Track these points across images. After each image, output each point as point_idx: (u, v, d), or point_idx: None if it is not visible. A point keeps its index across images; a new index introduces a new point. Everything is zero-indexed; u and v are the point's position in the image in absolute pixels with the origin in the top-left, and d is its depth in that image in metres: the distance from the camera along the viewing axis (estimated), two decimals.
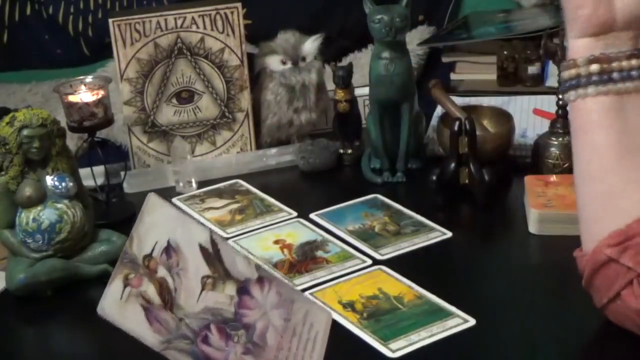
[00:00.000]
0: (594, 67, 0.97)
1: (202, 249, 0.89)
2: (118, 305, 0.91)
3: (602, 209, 0.97)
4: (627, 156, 0.96)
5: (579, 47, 0.99)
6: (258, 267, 0.88)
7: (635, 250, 0.94)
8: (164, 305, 0.90)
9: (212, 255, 0.89)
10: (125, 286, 0.91)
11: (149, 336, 0.90)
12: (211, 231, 0.90)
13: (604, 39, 0.98)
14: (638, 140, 0.97)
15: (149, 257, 0.91)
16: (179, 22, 1.46)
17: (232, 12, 1.47)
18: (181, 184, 1.44)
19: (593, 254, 0.97)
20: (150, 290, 0.90)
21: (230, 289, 0.88)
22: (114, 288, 0.92)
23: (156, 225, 0.91)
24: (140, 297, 0.90)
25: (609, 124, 0.97)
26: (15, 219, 1.19)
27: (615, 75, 0.96)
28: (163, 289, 0.90)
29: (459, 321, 1.06)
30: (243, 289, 0.88)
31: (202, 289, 0.89)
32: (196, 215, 1.36)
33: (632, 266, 0.94)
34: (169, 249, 0.90)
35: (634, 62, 0.97)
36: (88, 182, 1.34)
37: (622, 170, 0.96)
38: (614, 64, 0.97)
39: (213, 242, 0.89)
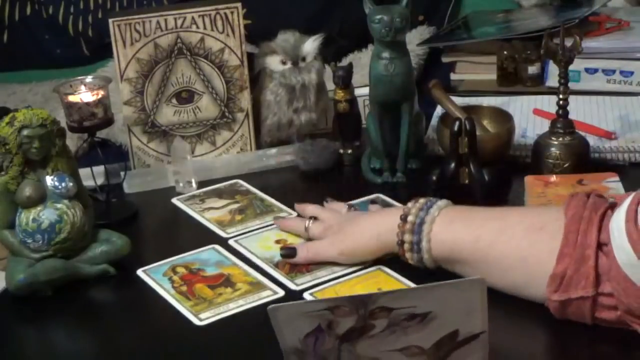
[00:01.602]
0: (408, 236, 1.11)
1: (453, 333, 0.81)
2: (297, 313, 0.80)
3: (521, 277, 1.04)
4: (494, 237, 1.06)
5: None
6: None
7: (574, 282, 0.98)
8: (340, 337, 0.81)
9: (454, 343, 0.81)
10: (326, 309, 0.79)
11: (290, 339, 0.81)
12: (485, 331, 0.82)
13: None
14: (485, 225, 1.08)
15: (385, 309, 0.80)
16: (179, 22, 1.46)
17: (232, 12, 1.47)
18: (181, 184, 1.44)
19: (549, 305, 1.02)
20: (345, 324, 0.80)
21: None
22: (310, 305, 0.83)
23: (448, 299, 0.81)
24: (327, 322, 0.80)
25: (458, 235, 1.09)
26: (15, 219, 1.19)
27: (420, 218, 1.11)
28: (360, 329, 0.80)
29: None
30: None
31: (399, 350, 0.81)
32: (196, 216, 1.36)
33: (583, 295, 0.98)
34: (417, 317, 0.81)
35: (419, 202, 1.13)
36: (88, 182, 1.34)
37: (504, 247, 1.05)
38: (410, 219, 1.11)
39: (472, 338, 0.82)
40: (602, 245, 0.98)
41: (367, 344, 0.81)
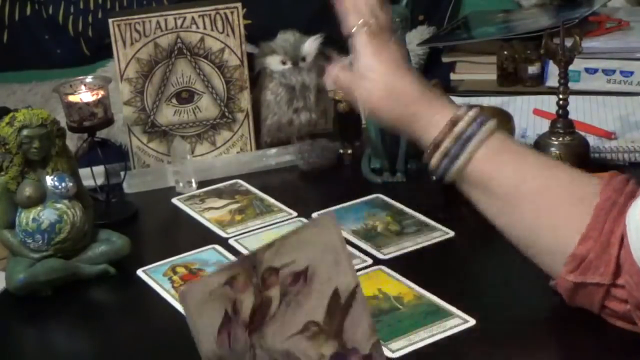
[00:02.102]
0: (448, 143, 1.03)
1: (335, 294, 0.80)
2: (203, 296, 0.77)
3: (542, 242, 1.01)
4: (535, 186, 1.01)
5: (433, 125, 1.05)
6: (377, 345, 0.80)
7: (594, 267, 0.97)
8: (247, 324, 0.79)
9: (340, 306, 0.80)
10: (225, 284, 0.78)
11: (207, 342, 0.78)
12: (358, 284, 0.80)
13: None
14: (531, 170, 1.03)
15: (273, 271, 0.79)
16: (179, 22, 1.46)
17: (232, 12, 1.47)
18: (181, 184, 1.44)
19: (561, 283, 1.00)
20: (247, 303, 0.79)
21: (328, 349, 0.79)
22: (212, 279, 0.78)
23: (309, 244, 0.80)
24: (230, 303, 0.78)
25: (503, 167, 1.03)
26: (15, 219, 1.19)
27: (470, 131, 1.03)
28: (260, 308, 0.79)
29: (459, 321, 1.05)
30: (340, 356, 0.79)
31: (300, 332, 0.79)
32: (196, 216, 1.36)
33: (599, 281, 0.97)
34: (300, 276, 0.80)
35: (471, 112, 1.04)
36: (88, 182, 1.34)
37: (539, 201, 1.01)
38: (458, 127, 1.04)
39: (352, 296, 0.80)
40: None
41: (272, 331, 0.79)
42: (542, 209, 1.01)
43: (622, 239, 0.96)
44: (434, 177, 1.07)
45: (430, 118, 1.05)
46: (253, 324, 0.79)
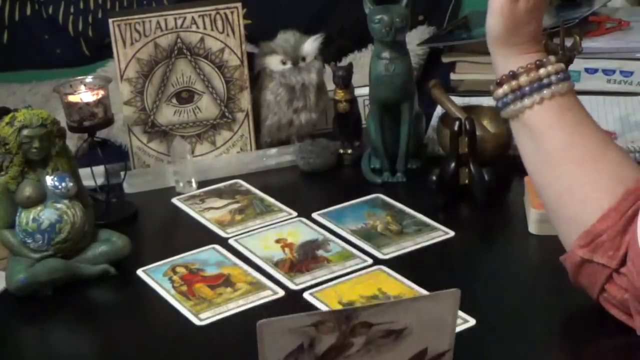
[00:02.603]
0: (525, 79, 1.04)
1: (421, 352, 0.81)
2: (282, 331, 0.79)
3: (567, 210, 1.01)
4: (582, 155, 1.01)
5: (506, 61, 1.06)
6: None
7: (604, 247, 0.97)
8: (319, 358, 0.80)
9: None
10: (311, 325, 0.79)
11: None
12: (451, 349, 0.82)
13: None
14: (585, 139, 1.02)
15: (367, 325, 0.80)
16: (179, 22, 1.46)
17: (232, 12, 1.47)
18: (181, 184, 1.44)
19: (569, 257, 1.01)
20: (326, 341, 0.80)
21: None
22: (297, 320, 0.80)
23: (420, 312, 0.81)
24: (309, 339, 0.80)
25: (562, 125, 1.02)
26: (15, 219, 1.19)
27: (549, 79, 1.03)
28: (338, 348, 0.80)
29: (459, 321, 1.05)
30: None
31: None
32: (196, 216, 1.36)
33: (605, 263, 0.97)
34: (394, 333, 0.81)
35: (557, 65, 1.04)
36: (88, 182, 1.34)
37: (580, 170, 1.01)
38: (542, 71, 1.03)
39: (438, 357, 0.82)
40: None
41: None
42: (581, 178, 1.01)
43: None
44: (498, 104, 1.07)
45: (520, 54, 1.05)
46: (324, 359, 0.80)
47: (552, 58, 1.05)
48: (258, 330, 0.79)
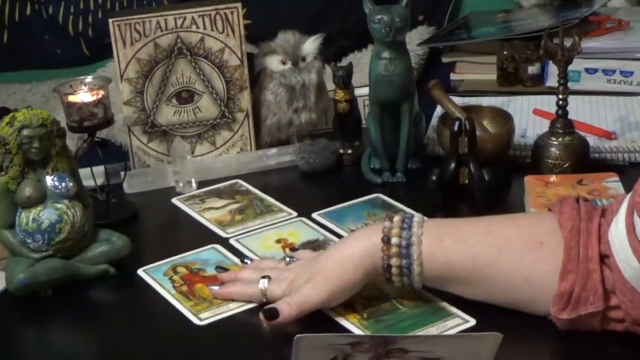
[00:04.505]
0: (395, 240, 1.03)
1: None
2: (319, 345, 0.81)
3: (523, 295, 1.01)
4: (490, 249, 1.01)
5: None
6: None
7: (583, 298, 0.96)
8: None
9: None
10: (349, 344, 0.81)
11: None
12: None
13: None
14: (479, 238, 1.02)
15: (403, 351, 0.82)
16: (179, 22, 1.46)
17: (232, 12, 1.47)
18: (181, 184, 1.44)
19: (557, 322, 1.00)
20: (359, 359, 0.82)
21: None
22: (335, 339, 0.82)
23: (459, 348, 0.82)
24: (343, 355, 0.81)
25: (448, 243, 1.03)
26: (15, 219, 1.19)
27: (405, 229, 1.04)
28: None
29: (459, 321, 1.05)
30: None
31: None
32: (196, 216, 1.36)
33: (593, 310, 0.97)
34: None
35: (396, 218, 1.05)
36: (88, 182, 1.34)
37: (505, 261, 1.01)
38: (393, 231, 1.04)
39: None
40: (604, 258, 0.96)
41: None
42: (508, 272, 1.01)
43: (601, 262, 0.96)
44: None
45: (367, 250, 1.05)
46: None
47: (385, 224, 1.04)
48: (295, 343, 0.80)
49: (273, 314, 1.04)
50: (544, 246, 0.99)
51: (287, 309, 1.04)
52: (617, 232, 0.94)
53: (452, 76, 1.80)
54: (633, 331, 0.97)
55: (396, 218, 1.05)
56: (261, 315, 1.05)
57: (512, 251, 1.00)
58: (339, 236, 1.26)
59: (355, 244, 1.06)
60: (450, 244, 1.03)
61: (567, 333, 1.01)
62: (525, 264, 1.00)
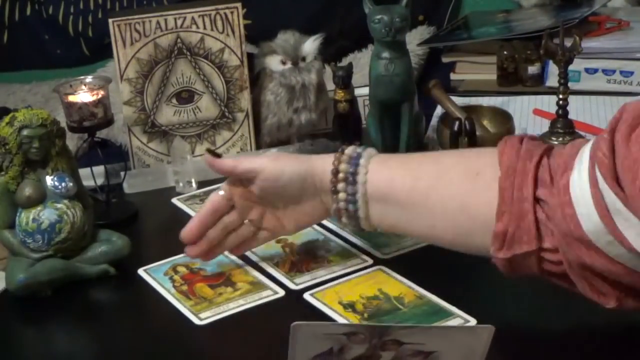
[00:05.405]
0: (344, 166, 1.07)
1: None
2: (315, 334, 0.82)
3: (460, 225, 1.01)
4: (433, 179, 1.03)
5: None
6: None
7: (517, 238, 0.95)
8: None
9: None
10: (344, 334, 0.82)
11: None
12: None
13: None
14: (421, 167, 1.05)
15: (397, 342, 0.82)
16: (179, 22, 1.47)
17: (232, 12, 1.47)
18: (181, 184, 1.44)
19: (496, 261, 0.99)
20: (355, 351, 0.82)
21: None
22: (333, 328, 0.84)
23: (452, 340, 0.83)
24: (339, 345, 0.82)
25: (397, 172, 1.05)
26: (15, 219, 1.19)
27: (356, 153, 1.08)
28: (366, 358, 0.83)
29: (460, 321, 1.05)
30: None
31: None
32: None
33: (527, 249, 0.95)
34: (422, 354, 0.83)
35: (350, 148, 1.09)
36: (88, 182, 1.34)
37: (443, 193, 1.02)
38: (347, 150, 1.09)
39: None
40: (539, 200, 0.95)
41: None
42: (446, 197, 1.01)
43: (535, 203, 0.94)
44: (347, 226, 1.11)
45: (320, 159, 1.10)
46: None
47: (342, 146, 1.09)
48: (291, 331, 0.80)
49: (216, 154, 1.14)
50: (480, 177, 0.99)
51: (229, 159, 1.14)
52: (580, 183, 0.91)
53: (452, 76, 1.80)
54: (569, 274, 0.96)
55: (350, 148, 1.09)
56: (205, 153, 1.15)
57: (450, 178, 1.01)
58: (339, 236, 1.26)
59: (315, 156, 1.12)
60: (394, 164, 1.07)
61: (568, 333, 1.01)
62: (463, 192, 1.00)
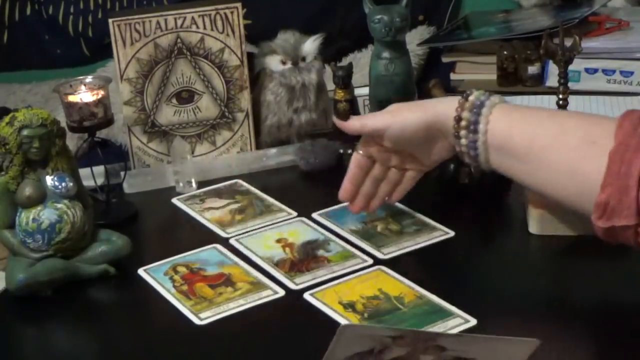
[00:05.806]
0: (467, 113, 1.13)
1: None
2: (361, 335, 0.85)
3: (567, 187, 1.05)
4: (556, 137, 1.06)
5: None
6: None
7: (618, 211, 0.99)
8: None
9: None
10: (390, 338, 0.84)
11: (339, 356, 0.85)
12: None
13: None
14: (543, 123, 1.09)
15: (440, 348, 0.84)
16: (179, 22, 1.47)
17: (232, 12, 1.47)
18: (181, 184, 1.44)
19: (595, 229, 1.02)
20: (395, 352, 0.85)
21: None
22: (380, 331, 0.86)
23: (495, 350, 0.85)
24: (381, 346, 0.84)
25: (518, 123, 1.10)
26: (15, 219, 1.19)
27: (480, 100, 1.12)
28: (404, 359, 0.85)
29: (460, 321, 1.05)
30: None
31: None
32: (196, 216, 1.36)
33: (626, 224, 0.99)
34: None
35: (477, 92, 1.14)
36: (88, 182, 1.34)
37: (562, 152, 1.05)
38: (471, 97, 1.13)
39: None
40: None
41: None
42: (557, 159, 1.05)
43: None
44: (470, 164, 1.17)
45: (445, 103, 1.16)
46: None
47: (467, 91, 1.13)
48: (339, 330, 0.82)
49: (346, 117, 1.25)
50: (596, 146, 1.02)
51: (355, 121, 1.23)
52: None
53: (452, 76, 1.80)
54: None
55: (478, 92, 1.13)
56: (334, 117, 1.33)
57: (566, 141, 1.05)
58: (339, 236, 1.26)
59: (439, 100, 1.22)
60: (517, 117, 1.10)
61: (568, 333, 1.01)
62: (577, 156, 1.03)
